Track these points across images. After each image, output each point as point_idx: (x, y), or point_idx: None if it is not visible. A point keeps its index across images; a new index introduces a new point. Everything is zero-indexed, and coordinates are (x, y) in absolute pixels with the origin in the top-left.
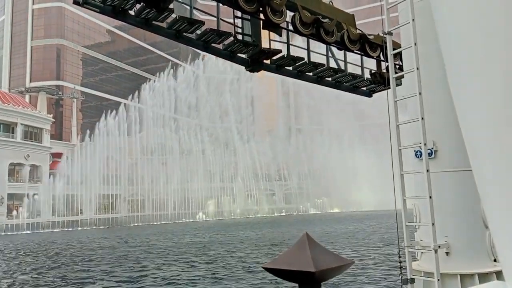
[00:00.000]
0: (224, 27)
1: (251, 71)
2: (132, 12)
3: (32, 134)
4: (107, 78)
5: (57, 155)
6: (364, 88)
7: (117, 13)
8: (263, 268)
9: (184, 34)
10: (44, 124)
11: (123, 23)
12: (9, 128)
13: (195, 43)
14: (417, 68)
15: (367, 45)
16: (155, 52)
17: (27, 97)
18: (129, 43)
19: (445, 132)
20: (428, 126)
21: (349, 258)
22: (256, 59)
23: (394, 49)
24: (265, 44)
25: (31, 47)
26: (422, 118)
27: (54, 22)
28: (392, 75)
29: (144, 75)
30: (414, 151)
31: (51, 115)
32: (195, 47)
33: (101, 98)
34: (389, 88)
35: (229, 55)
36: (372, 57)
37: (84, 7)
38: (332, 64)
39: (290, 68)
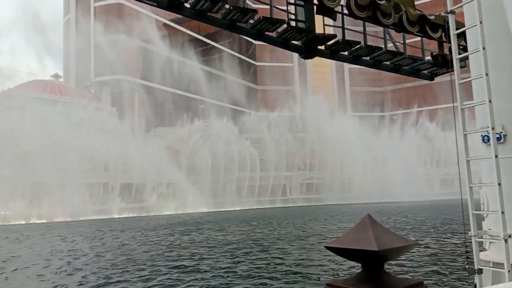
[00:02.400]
0: (278, 15)
1: (305, 57)
2: (187, 5)
3: None
4: (166, 70)
5: None
6: (425, 71)
7: (173, 6)
8: (325, 247)
9: (238, 24)
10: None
11: (179, 16)
12: None
13: (249, 32)
14: (483, 48)
15: (427, 26)
16: (209, 44)
17: (92, 91)
18: (184, 36)
19: None
20: (496, 109)
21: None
22: (310, 46)
23: (457, 29)
24: (319, 30)
25: (95, 43)
26: (490, 101)
27: (115, 18)
28: (455, 56)
29: (198, 66)
30: (481, 136)
31: (114, 108)
32: (249, 36)
33: (159, 90)
34: (453, 70)
35: (283, 42)
36: (433, 39)
37: (142, 1)
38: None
39: (346, 53)
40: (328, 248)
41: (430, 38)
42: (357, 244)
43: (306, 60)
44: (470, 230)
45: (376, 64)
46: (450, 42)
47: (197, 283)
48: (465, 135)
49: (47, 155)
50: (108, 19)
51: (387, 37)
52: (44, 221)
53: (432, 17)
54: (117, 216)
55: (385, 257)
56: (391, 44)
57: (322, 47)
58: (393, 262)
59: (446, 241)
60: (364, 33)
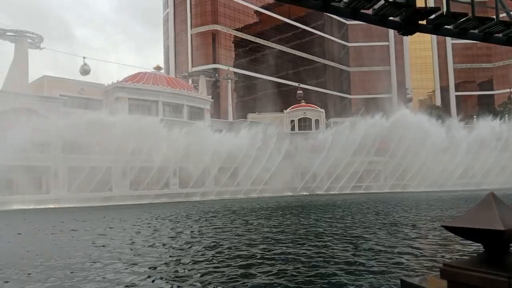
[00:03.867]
0: None
1: (404, 34)
2: None
3: (196, 114)
4: (256, 57)
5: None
6: None
7: None
8: (442, 226)
9: (331, 3)
10: (205, 104)
11: (270, 2)
12: (177, 109)
13: (343, 12)
14: None
15: None
16: (300, 27)
17: (190, 81)
18: (275, 22)
19: None
20: None
21: None
22: (410, 21)
23: None
24: (419, 3)
25: (191, 35)
26: None
27: (209, 9)
28: None
29: (290, 51)
30: None
31: (210, 96)
32: (343, 16)
33: (251, 77)
34: None
35: (379, 19)
36: None
37: None
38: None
39: (450, 27)
40: (446, 227)
41: None
42: (480, 223)
43: (404, 37)
44: None
45: (486, 37)
46: None
47: None
48: None
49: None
50: (202, 10)
51: (499, 6)
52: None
53: None
54: None
55: (511, 237)
56: (504, 14)
57: (423, 22)
58: None
59: None
60: (472, 3)
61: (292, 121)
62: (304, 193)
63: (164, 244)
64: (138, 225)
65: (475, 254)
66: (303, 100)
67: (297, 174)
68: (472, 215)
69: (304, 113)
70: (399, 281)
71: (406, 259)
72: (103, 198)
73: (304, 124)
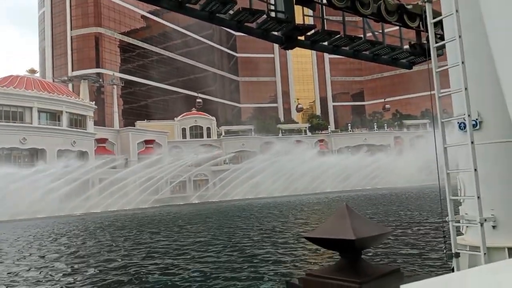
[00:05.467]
0: (257, 5)
1: (285, 48)
2: None
3: (77, 121)
4: (144, 63)
5: (102, 141)
6: (404, 60)
7: None
8: (304, 237)
9: (217, 15)
10: (87, 111)
11: (157, 7)
12: (55, 116)
13: (228, 24)
14: (460, 36)
15: (405, 15)
16: (189, 35)
17: (70, 86)
18: (163, 28)
19: (490, 102)
20: (472, 97)
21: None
22: (290, 36)
23: (434, 18)
24: (298, 20)
25: (71, 37)
26: (466, 89)
27: (91, 10)
28: (432, 45)
29: (179, 59)
30: (458, 123)
31: (94, 102)
32: (228, 28)
33: (139, 83)
34: (430, 59)
35: (262, 33)
36: (411, 28)
37: None
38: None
39: (325, 43)
40: (307, 238)
41: (408, 27)
42: (335, 233)
43: (287, 50)
44: (447, 215)
45: (355, 54)
46: (427, 31)
47: None
48: (442, 122)
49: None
50: (83, 11)
51: (366, 26)
52: None
53: (410, 7)
54: None
55: (362, 245)
56: (370, 34)
57: (302, 38)
58: (372, 250)
59: (425, 226)
60: (344, 23)
61: (184, 129)
62: None
63: None
64: None
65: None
66: (194, 109)
67: None
68: (328, 225)
69: (196, 121)
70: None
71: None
72: None
73: (195, 132)
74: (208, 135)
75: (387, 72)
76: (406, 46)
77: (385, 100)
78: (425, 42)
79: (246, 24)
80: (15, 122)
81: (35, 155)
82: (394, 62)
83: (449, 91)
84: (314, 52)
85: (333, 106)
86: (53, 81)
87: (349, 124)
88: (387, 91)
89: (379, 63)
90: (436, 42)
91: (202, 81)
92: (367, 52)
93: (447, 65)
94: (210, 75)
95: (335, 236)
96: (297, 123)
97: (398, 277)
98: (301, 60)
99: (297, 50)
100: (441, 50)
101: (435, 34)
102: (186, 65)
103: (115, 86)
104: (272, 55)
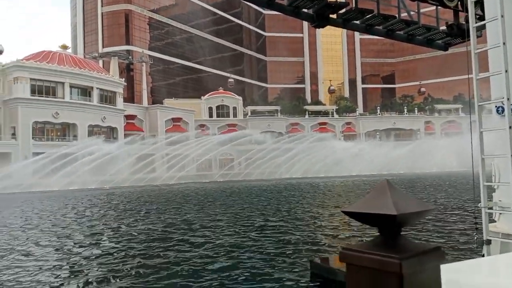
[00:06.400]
0: None
1: (316, 26)
2: None
3: (107, 98)
4: (173, 41)
5: (131, 117)
6: (440, 41)
7: None
8: (342, 212)
9: None
10: (117, 87)
11: None
12: (86, 92)
13: (258, 1)
14: (502, 16)
15: None
16: (218, 13)
17: (100, 62)
18: (192, 6)
19: None
20: None
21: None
22: (321, 14)
23: None
24: None
25: (102, 13)
26: (506, 71)
27: None
28: (472, 25)
29: (207, 37)
30: (496, 106)
31: (123, 79)
32: (258, 5)
33: (167, 61)
34: (468, 40)
35: (293, 11)
36: (449, 7)
37: None
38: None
39: (358, 22)
40: (345, 212)
41: (446, 7)
42: (375, 208)
43: (317, 29)
44: (480, 202)
45: (389, 34)
46: (466, 11)
47: None
48: (479, 106)
49: None
50: None
51: (401, 5)
52: None
53: None
54: None
55: (403, 221)
56: (405, 14)
57: (334, 16)
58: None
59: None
60: (377, 1)
61: (210, 108)
62: None
63: None
64: None
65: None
66: (221, 88)
67: None
68: (368, 200)
69: (222, 100)
70: (309, 262)
71: (314, 242)
72: None
73: (222, 111)
74: (234, 115)
75: (420, 54)
76: (443, 27)
77: (421, 83)
78: (463, 22)
79: (277, 1)
80: (48, 97)
81: (66, 129)
82: (429, 43)
83: (488, 73)
84: (344, 32)
85: (362, 88)
86: (84, 57)
87: (378, 107)
88: (420, 73)
89: (413, 43)
90: (476, 22)
91: (230, 60)
92: (401, 32)
93: (484, 48)
94: (238, 54)
95: (376, 211)
96: (324, 104)
97: (439, 256)
98: (331, 40)
99: (327, 30)
100: (479, 31)
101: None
102: (213, 44)
103: (144, 64)
104: (301, 35)
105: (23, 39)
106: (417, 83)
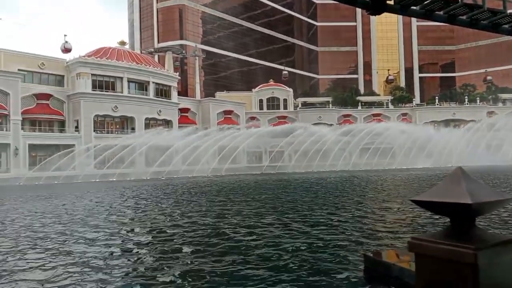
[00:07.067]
0: None
1: (372, 13)
2: None
3: (162, 91)
4: (225, 35)
5: (185, 110)
6: (506, 26)
7: None
8: (410, 200)
9: None
10: (172, 81)
11: None
12: (142, 86)
13: None
14: None
15: None
16: (269, 5)
17: (156, 57)
18: None
19: None
20: None
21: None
22: (378, 0)
23: None
24: None
25: (157, 9)
26: None
27: None
28: None
29: (258, 29)
30: None
31: (177, 73)
32: None
33: (219, 55)
34: None
35: None
36: None
37: None
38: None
39: (417, 7)
40: (414, 201)
41: None
42: (448, 197)
43: (371, 17)
44: None
45: (450, 19)
46: None
47: None
48: None
49: None
50: None
51: None
52: None
53: None
54: None
55: (479, 210)
56: None
57: (391, 2)
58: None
59: None
60: None
61: (261, 100)
62: None
63: None
64: None
65: (440, 228)
66: (271, 80)
67: None
68: (440, 189)
69: (273, 92)
70: (363, 256)
71: (369, 234)
72: None
73: (272, 103)
74: (285, 107)
75: (484, 40)
76: (510, 10)
77: (487, 71)
78: None
79: None
80: (107, 91)
81: (125, 122)
82: (495, 28)
83: None
84: (400, 18)
85: (419, 77)
86: (141, 52)
87: (437, 97)
88: (483, 61)
89: (477, 29)
90: None
91: (280, 52)
92: (463, 17)
93: None
94: (289, 45)
95: (449, 200)
96: (378, 95)
97: None
98: (386, 28)
99: (382, 17)
100: None
101: None
102: (264, 36)
103: (197, 58)
104: (354, 23)
105: (83, 37)
106: (482, 71)
